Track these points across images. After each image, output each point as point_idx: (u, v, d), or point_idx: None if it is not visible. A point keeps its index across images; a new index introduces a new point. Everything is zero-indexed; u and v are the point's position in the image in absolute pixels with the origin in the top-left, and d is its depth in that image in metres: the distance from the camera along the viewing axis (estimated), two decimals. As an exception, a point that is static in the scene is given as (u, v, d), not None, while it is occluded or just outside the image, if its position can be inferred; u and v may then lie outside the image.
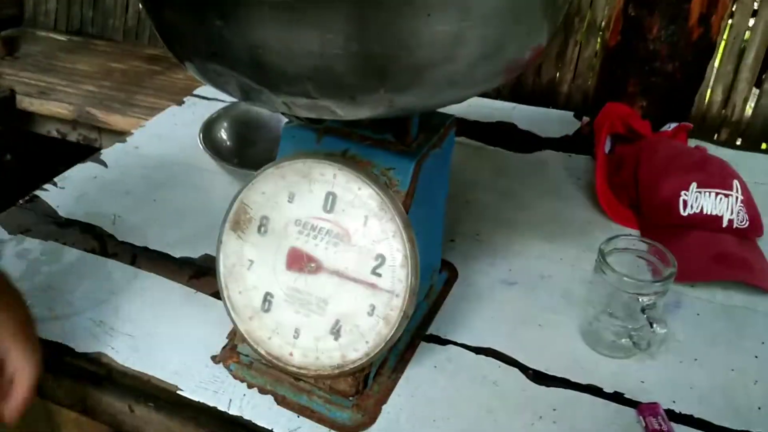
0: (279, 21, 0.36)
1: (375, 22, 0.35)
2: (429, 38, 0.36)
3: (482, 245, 0.77)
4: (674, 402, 0.58)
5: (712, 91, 1.72)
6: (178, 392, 0.58)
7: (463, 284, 0.71)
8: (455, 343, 0.64)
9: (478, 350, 0.63)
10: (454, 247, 0.77)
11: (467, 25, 0.36)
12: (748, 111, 1.76)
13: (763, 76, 1.72)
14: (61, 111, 1.86)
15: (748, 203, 0.76)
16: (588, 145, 0.99)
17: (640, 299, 0.58)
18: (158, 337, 0.63)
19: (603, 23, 1.81)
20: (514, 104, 1.13)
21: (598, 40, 1.83)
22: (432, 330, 0.65)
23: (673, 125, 0.94)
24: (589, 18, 1.82)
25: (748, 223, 0.75)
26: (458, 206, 0.84)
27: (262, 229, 0.56)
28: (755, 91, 1.75)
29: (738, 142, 1.73)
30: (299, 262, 0.55)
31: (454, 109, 0.53)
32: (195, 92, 1.11)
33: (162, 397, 0.59)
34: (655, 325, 0.56)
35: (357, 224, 0.53)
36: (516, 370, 0.61)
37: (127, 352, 0.62)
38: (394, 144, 0.54)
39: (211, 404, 0.57)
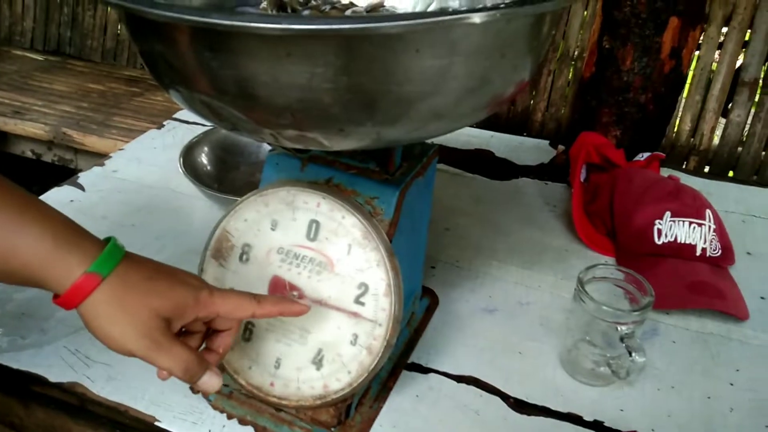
0: (269, 54, 0.37)
1: (365, 57, 0.36)
2: (417, 73, 0.37)
3: (462, 272, 0.78)
4: (653, 430, 0.59)
5: (680, 121, 1.78)
6: (156, 423, 0.57)
7: (444, 311, 0.71)
8: (437, 372, 0.64)
9: (459, 378, 0.63)
10: (435, 274, 0.77)
11: (455, 61, 0.37)
12: (715, 140, 1.81)
13: (729, 107, 1.78)
14: (37, 131, 1.83)
15: (721, 232, 0.78)
16: (563, 173, 1.01)
17: (619, 328, 0.58)
18: (135, 367, 0.62)
19: (576, 53, 1.85)
20: (491, 132, 1.15)
21: (571, 69, 1.88)
22: (413, 358, 0.65)
23: (646, 155, 0.96)
24: (562, 48, 1.87)
25: (720, 252, 0.77)
26: (438, 233, 0.84)
27: (244, 257, 0.56)
28: (722, 120, 1.81)
29: (705, 170, 1.78)
30: (281, 290, 0.55)
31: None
32: (175, 115, 1.11)
33: (139, 429, 0.58)
34: (634, 354, 0.57)
35: (340, 253, 0.53)
36: (497, 398, 0.62)
37: (102, 382, 0.61)
38: (377, 173, 0.55)
39: (190, 436, 0.56)
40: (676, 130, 1.78)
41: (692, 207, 0.78)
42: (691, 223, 0.76)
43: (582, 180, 0.91)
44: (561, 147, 1.07)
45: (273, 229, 0.55)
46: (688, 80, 1.71)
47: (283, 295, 0.54)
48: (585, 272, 0.62)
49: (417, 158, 0.58)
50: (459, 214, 0.89)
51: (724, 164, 1.79)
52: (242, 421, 0.57)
